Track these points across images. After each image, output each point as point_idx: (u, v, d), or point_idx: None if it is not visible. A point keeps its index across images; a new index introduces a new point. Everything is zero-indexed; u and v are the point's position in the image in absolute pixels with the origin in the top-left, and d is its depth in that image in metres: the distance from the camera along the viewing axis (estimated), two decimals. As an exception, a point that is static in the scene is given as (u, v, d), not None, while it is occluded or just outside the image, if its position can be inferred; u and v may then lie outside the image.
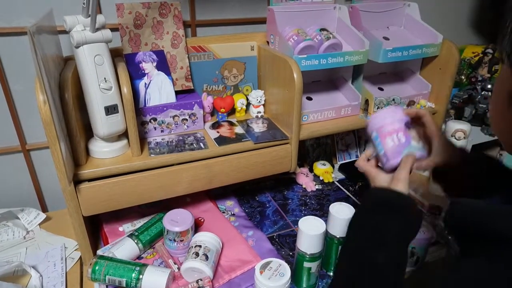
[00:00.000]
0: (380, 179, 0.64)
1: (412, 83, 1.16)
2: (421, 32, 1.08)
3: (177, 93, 0.92)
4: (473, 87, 1.21)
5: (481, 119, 1.23)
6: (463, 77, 1.35)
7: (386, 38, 1.04)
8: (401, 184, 0.58)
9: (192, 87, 0.95)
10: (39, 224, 0.94)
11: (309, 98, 1.03)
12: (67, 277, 0.80)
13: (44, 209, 1.06)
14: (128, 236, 0.84)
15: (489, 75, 1.29)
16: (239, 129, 0.94)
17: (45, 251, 0.86)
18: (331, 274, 0.82)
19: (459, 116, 1.26)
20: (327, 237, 0.79)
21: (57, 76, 0.72)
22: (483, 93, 1.19)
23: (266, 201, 1.08)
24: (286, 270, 0.69)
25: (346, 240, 0.60)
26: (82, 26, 0.70)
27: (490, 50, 1.26)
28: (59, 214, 0.98)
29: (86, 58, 0.70)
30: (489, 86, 1.18)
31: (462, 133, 1.01)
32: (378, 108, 1.04)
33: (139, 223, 0.93)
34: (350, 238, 0.59)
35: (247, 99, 1.01)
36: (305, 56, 0.88)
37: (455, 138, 1.02)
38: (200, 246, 0.79)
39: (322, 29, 0.94)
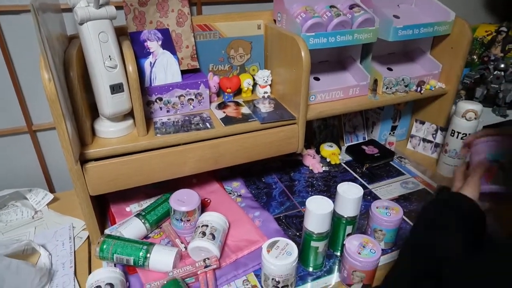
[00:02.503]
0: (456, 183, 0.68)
1: (422, 63, 1.14)
2: (433, 9, 1.05)
3: (183, 72, 0.90)
4: (485, 67, 1.18)
5: (493, 100, 1.20)
6: (475, 56, 1.32)
7: (396, 16, 1.01)
8: (468, 189, 0.62)
9: (198, 67, 0.94)
10: (47, 205, 0.95)
11: (317, 79, 1.02)
12: (75, 255, 0.80)
13: (51, 190, 1.07)
14: (135, 216, 0.85)
15: (502, 55, 1.25)
16: (245, 110, 0.93)
17: (54, 231, 0.87)
18: (339, 254, 0.82)
19: (470, 97, 1.23)
20: (335, 217, 0.79)
21: (62, 54, 0.71)
22: (495, 72, 1.16)
23: (272, 183, 1.07)
24: (293, 249, 0.69)
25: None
26: (86, 2, 0.68)
27: (504, 29, 1.22)
28: (66, 195, 0.99)
29: (91, 35, 0.69)
30: (502, 66, 1.14)
31: (473, 113, 0.98)
32: (387, 88, 1.02)
33: (146, 203, 0.93)
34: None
35: (254, 79, 0.99)
36: (313, 34, 0.86)
37: (466, 119, 0.99)
38: (207, 226, 0.79)
39: (332, 6, 0.91)
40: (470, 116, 0.99)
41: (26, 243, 0.78)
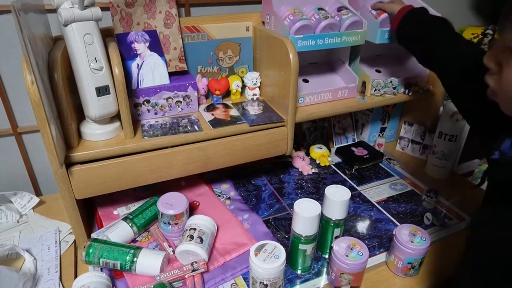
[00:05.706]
0: None
1: (410, 65, 1.15)
2: (420, 12, 1.05)
3: (171, 74, 0.89)
4: (472, 69, 1.19)
5: (480, 102, 1.22)
6: (462, 59, 1.33)
7: (384, 19, 1.01)
8: None
9: (186, 69, 0.93)
10: (33, 208, 0.94)
11: (306, 81, 1.02)
12: (61, 260, 0.79)
13: (37, 193, 1.06)
14: (123, 219, 0.84)
15: (488, 57, 1.27)
16: (234, 112, 0.92)
17: (39, 235, 0.85)
18: (327, 256, 0.82)
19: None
20: (323, 220, 0.79)
21: (46, 56, 0.70)
22: (482, 75, 1.17)
23: (262, 185, 1.07)
24: (281, 252, 0.69)
25: None
26: (70, 3, 0.67)
27: (490, 31, 1.24)
28: (52, 198, 0.98)
29: (75, 37, 0.68)
30: (488, 68, 1.16)
31: (460, 115, 1.00)
32: (376, 90, 1.02)
33: (134, 206, 0.92)
34: None
35: (243, 81, 0.99)
36: (301, 36, 0.86)
37: (453, 120, 1.00)
38: (194, 229, 0.78)
39: (320, 8, 0.92)
40: (458, 117, 1.00)
41: (10, 248, 0.77)
